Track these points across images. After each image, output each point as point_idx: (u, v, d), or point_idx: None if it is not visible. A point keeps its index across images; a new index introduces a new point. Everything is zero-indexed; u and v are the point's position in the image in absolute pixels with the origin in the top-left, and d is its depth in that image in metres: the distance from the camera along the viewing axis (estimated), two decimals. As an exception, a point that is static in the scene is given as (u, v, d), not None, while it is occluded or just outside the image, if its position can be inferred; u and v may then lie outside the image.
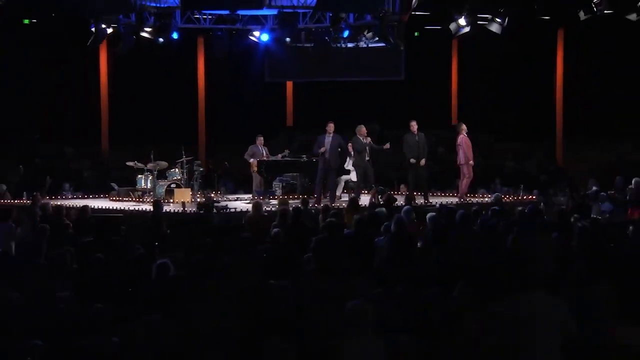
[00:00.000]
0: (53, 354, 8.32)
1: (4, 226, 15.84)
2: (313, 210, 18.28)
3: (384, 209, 17.10)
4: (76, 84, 28.74)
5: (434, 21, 26.88)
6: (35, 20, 24.69)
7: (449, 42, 29.29)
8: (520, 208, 17.05)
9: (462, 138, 21.72)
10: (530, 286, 8.52)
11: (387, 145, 21.58)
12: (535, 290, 8.37)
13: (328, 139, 20.81)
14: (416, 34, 27.66)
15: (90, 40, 22.18)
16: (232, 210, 19.75)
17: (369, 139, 21.13)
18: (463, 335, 8.40)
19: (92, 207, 19.82)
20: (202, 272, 11.77)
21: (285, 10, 21.24)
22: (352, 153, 21.46)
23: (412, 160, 21.32)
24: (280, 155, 23.07)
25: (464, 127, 21.87)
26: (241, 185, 25.16)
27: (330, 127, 21.06)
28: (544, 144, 30.10)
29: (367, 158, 21.04)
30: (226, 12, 21.73)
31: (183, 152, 22.54)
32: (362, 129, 21.09)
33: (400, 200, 19.69)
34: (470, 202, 20.97)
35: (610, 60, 28.67)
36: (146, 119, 28.74)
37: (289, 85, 29.86)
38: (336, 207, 19.19)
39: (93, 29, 21.92)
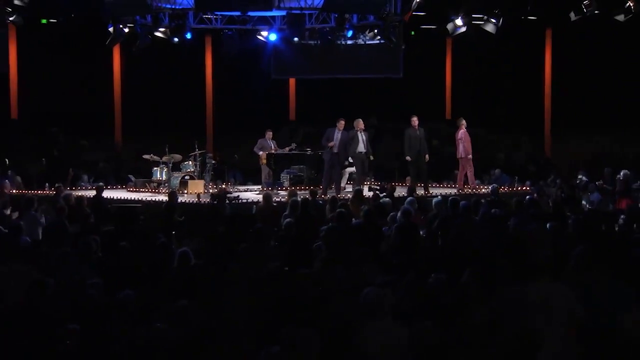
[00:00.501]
0: (89, 338, 8.30)
1: (29, 215, 16.00)
2: (320, 201, 18.33)
3: (389, 199, 17.40)
4: (91, 79, 28.72)
5: (429, 21, 27.10)
6: (54, 21, 24.69)
7: (443, 40, 29.40)
8: (515, 199, 17.04)
9: (463, 133, 21.92)
10: (537, 274, 8.64)
11: (371, 158, 21.73)
12: (542, 277, 8.47)
13: (338, 134, 20.88)
14: (412, 33, 27.78)
15: (108, 40, 22.28)
16: (244, 200, 19.80)
17: (361, 127, 21.20)
18: (475, 321, 8.35)
19: (112, 197, 20.12)
20: (219, 260, 11.90)
21: (293, 11, 21.29)
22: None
23: (408, 158, 21.53)
24: (287, 149, 23.25)
25: (464, 122, 22.02)
26: (249, 177, 25.17)
27: (341, 124, 21.12)
28: (532, 136, 30.08)
29: (363, 150, 21.07)
30: (237, 13, 21.86)
31: (196, 146, 22.64)
32: (360, 123, 21.12)
33: (402, 191, 20.00)
34: (472, 192, 21.06)
35: (595, 57, 28.63)
36: (156, 113, 28.83)
37: (292, 81, 29.89)
38: (342, 198, 19.30)
39: (111, 29, 22.01)
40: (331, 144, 20.80)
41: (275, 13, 22.19)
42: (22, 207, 17.21)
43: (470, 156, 21.98)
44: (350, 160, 21.74)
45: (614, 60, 28.46)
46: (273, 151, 22.78)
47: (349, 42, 23.73)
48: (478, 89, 30.29)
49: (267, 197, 17.77)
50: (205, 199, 19.80)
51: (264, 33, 23.61)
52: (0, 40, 23.75)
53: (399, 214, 14.45)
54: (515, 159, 29.02)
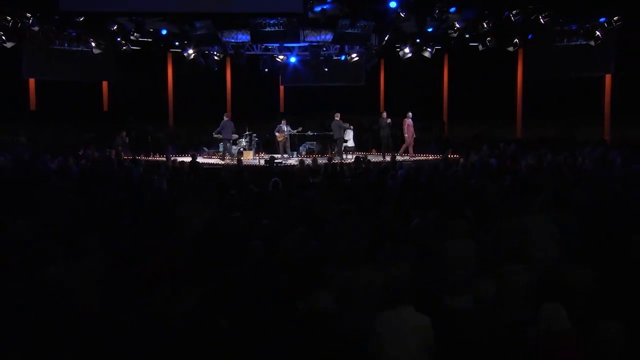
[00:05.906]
0: (269, 253, 7.80)
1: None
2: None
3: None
4: (154, 84, 29.39)
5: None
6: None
7: (378, 60, 30.00)
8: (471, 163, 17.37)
9: (407, 121, 23.18)
10: (521, 211, 8.80)
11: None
12: (532, 212, 8.58)
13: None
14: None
15: (207, 65, 22.86)
16: (285, 164, 20.35)
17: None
18: (481, 245, 7.84)
19: (199, 162, 20.20)
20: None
21: (313, 43, 22.04)
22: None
23: (385, 137, 22.73)
24: (295, 131, 23.75)
25: (409, 114, 23.09)
26: (270, 150, 24.87)
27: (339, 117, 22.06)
28: (436, 123, 30.94)
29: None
30: (277, 44, 22.40)
31: (247, 128, 23.50)
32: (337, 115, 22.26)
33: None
34: (427, 159, 21.56)
35: (477, 71, 29.91)
36: (195, 106, 29.46)
37: (281, 87, 29.89)
38: (346, 163, 20.02)
39: (185, 54, 22.78)
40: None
41: (300, 44, 22.52)
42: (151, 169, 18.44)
43: (406, 135, 23.00)
44: (346, 137, 22.74)
45: (488, 73, 29.65)
46: (286, 133, 23.28)
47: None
48: (402, 92, 30.90)
49: (301, 162, 18.71)
50: (261, 162, 20.59)
51: (281, 57, 23.98)
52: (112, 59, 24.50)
53: (398, 174, 15.01)
54: (427, 137, 30.52)
